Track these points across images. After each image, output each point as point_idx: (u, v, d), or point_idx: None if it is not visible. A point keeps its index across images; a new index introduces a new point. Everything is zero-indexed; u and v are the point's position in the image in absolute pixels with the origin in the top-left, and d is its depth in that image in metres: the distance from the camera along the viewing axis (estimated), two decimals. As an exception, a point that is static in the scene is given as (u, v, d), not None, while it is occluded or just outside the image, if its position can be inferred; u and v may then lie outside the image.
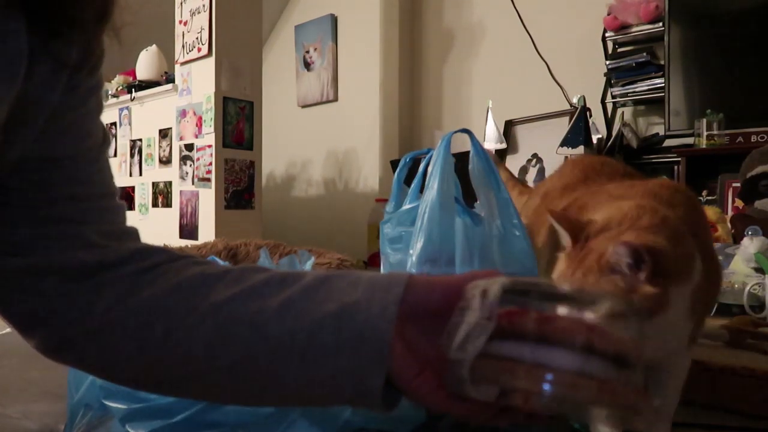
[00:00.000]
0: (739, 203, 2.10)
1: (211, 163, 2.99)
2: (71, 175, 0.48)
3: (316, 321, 0.45)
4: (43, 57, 0.43)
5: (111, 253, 0.49)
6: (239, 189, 3.08)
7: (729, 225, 1.89)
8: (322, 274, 0.49)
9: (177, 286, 0.48)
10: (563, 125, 3.04)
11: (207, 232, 2.99)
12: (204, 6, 3.01)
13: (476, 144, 0.90)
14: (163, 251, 0.52)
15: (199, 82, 3.06)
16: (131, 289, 0.48)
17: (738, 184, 2.12)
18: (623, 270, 0.53)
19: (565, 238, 0.60)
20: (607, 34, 3.03)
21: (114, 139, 3.73)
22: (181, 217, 3.17)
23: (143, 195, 3.47)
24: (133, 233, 0.54)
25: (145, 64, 3.46)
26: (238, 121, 3.06)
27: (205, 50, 3.00)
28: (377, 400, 0.44)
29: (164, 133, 3.33)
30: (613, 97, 3.05)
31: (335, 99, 4.34)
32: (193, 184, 3.10)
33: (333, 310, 0.45)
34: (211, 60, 2.99)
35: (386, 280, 0.46)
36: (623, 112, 3.10)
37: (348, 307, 0.44)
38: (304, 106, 4.58)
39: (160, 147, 3.36)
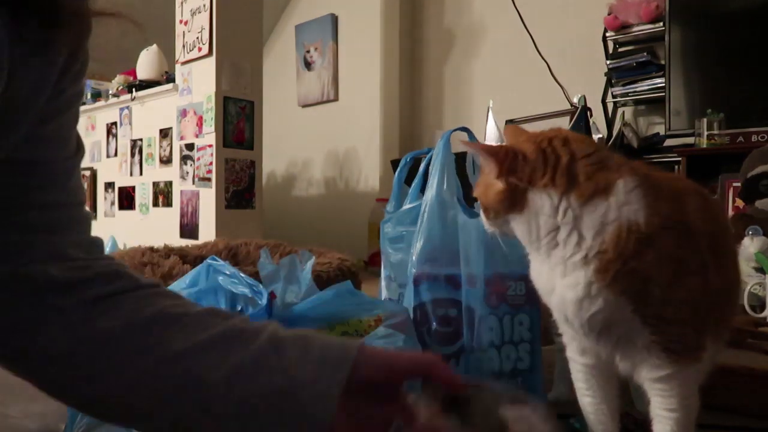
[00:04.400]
0: (740, 203, 2.10)
1: (211, 163, 2.99)
2: (46, 181, 0.48)
3: (264, 396, 0.47)
4: (33, 59, 0.42)
5: (76, 271, 0.48)
6: (240, 188, 3.08)
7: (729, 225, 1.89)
8: (278, 335, 0.50)
9: (134, 324, 0.48)
10: (564, 125, 3.04)
11: (207, 232, 2.99)
12: (204, 6, 3.00)
13: (475, 141, 0.90)
14: (127, 277, 0.51)
15: (200, 81, 3.06)
16: (87, 316, 0.47)
17: (738, 184, 2.12)
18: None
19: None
20: (607, 34, 3.03)
21: (114, 138, 3.73)
22: (182, 216, 3.17)
23: (144, 195, 3.47)
24: (99, 244, 0.54)
25: (146, 64, 3.47)
26: (238, 120, 3.06)
27: (205, 50, 3.00)
28: None
29: (165, 133, 3.33)
30: (614, 96, 3.05)
31: (336, 99, 4.33)
32: (193, 183, 3.10)
33: (280, 385, 0.47)
34: (212, 59, 2.99)
35: (336, 355, 0.49)
36: (624, 112, 3.10)
37: (295, 382, 0.47)
38: (304, 106, 4.57)
39: (160, 147, 3.36)
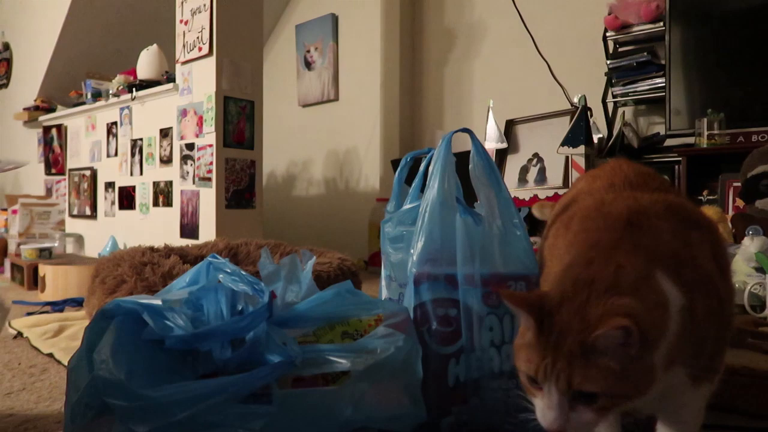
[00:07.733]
0: (740, 203, 2.10)
1: (211, 163, 2.98)
2: None
3: None
4: None
5: None
6: (240, 188, 3.08)
7: (730, 224, 1.90)
8: None
9: None
10: (564, 125, 3.04)
11: (208, 232, 2.99)
12: (205, 5, 3.00)
13: (477, 143, 0.90)
14: None
15: (200, 81, 3.06)
16: None
17: (739, 184, 2.12)
18: (614, 350, 0.50)
19: (528, 321, 0.56)
20: (608, 34, 3.02)
21: (115, 138, 3.73)
22: (182, 216, 3.17)
23: (144, 194, 3.47)
24: None
25: (146, 64, 3.46)
26: (238, 120, 3.06)
27: (206, 49, 3.00)
28: None
29: (165, 133, 3.32)
30: (614, 96, 3.05)
31: (336, 98, 4.33)
32: (193, 183, 3.10)
33: None
34: (212, 59, 2.99)
35: None
36: (624, 112, 3.10)
37: None
38: (304, 106, 4.58)
39: (160, 146, 3.36)
